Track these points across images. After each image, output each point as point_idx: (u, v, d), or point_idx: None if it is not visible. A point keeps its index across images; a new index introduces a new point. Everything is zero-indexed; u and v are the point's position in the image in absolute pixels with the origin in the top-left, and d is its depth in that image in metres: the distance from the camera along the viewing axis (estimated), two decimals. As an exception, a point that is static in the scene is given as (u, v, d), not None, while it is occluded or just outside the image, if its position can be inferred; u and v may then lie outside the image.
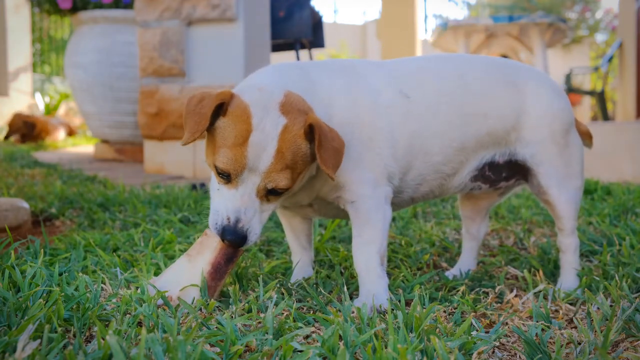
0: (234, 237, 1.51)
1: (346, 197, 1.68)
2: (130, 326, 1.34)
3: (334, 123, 1.61)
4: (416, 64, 1.83)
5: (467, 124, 1.77)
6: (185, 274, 1.60)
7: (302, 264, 1.92)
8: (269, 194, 1.54)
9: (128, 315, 1.43)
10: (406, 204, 1.89)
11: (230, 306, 1.56)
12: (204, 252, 1.60)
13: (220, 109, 1.51)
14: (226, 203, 1.53)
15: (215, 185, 1.56)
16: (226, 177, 1.51)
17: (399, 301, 1.63)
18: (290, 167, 1.51)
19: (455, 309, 1.63)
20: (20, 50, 11.21)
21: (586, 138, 1.98)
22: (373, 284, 1.64)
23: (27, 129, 8.54)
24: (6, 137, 8.58)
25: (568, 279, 1.88)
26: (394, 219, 2.91)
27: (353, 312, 1.52)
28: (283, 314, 1.52)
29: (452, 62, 1.85)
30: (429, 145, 1.74)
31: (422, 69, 1.81)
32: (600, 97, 9.20)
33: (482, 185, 1.89)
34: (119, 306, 1.49)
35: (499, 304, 1.70)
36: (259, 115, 1.48)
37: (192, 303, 1.55)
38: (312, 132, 1.50)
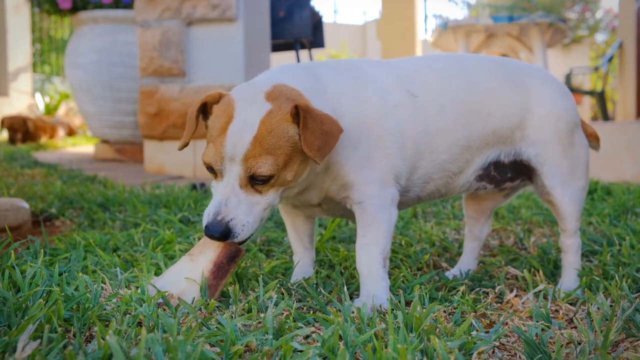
0: (212, 231, 1.50)
1: (354, 197, 1.67)
2: (130, 326, 1.34)
3: (343, 123, 1.60)
4: (422, 63, 1.83)
5: (472, 123, 1.77)
6: (188, 273, 1.60)
7: (303, 264, 1.92)
8: (254, 182, 1.51)
9: (128, 315, 1.43)
10: (413, 203, 1.88)
11: (230, 306, 1.56)
12: (207, 250, 1.60)
13: (208, 111, 1.56)
14: (213, 199, 1.54)
15: (212, 183, 1.58)
16: (211, 170, 1.53)
17: (399, 301, 1.63)
18: (271, 153, 1.47)
19: (455, 309, 1.63)
20: (20, 50, 11.22)
21: (593, 140, 1.98)
22: (374, 285, 1.63)
23: (23, 127, 8.53)
24: (10, 141, 8.56)
25: (569, 279, 1.88)
26: (394, 219, 2.90)
27: (353, 312, 1.52)
28: (283, 314, 1.52)
29: (458, 61, 1.86)
30: (436, 144, 1.74)
31: (428, 68, 1.81)
32: (600, 97, 9.20)
33: (487, 185, 1.89)
34: (119, 306, 1.49)
35: (499, 304, 1.69)
36: (242, 106, 1.50)
37: (193, 303, 1.55)
38: (298, 115, 1.48)
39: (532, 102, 1.81)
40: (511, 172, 1.88)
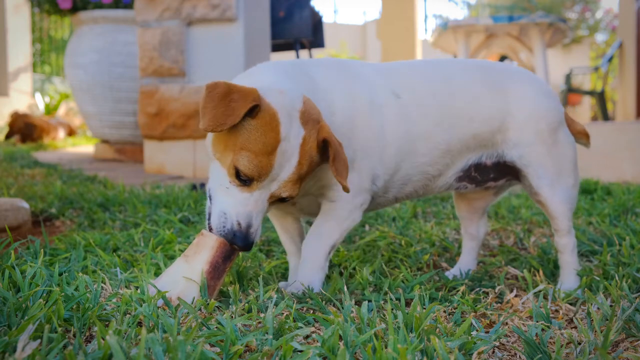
0: (245, 243, 1.52)
1: (329, 194, 1.72)
2: (130, 326, 1.34)
3: (335, 120, 1.64)
4: (408, 67, 1.86)
5: (453, 127, 1.79)
6: (183, 274, 1.59)
7: (298, 264, 1.91)
8: (278, 201, 1.56)
9: (128, 315, 1.42)
10: (390, 203, 1.91)
11: (230, 306, 1.56)
12: (201, 251, 1.58)
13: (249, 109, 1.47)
14: (237, 206, 1.51)
15: (225, 184, 1.53)
16: (245, 181, 1.50)
17: (399, 301, 1.63)
18: (303, 178, 1.54)
19: (455, 309, 1.63)
20: (20, 50, 11.21)
21: (582, 137, 1.98)
22: (312, 274, 1.71)
23: (27, 130, 8.54)
24: (7, 137, 8.58)
25: (568, 279, 1.88)
26: (393, 219, 2.91)
27: (353, 312, 1.52)
28: (283, 314, 1.52)
29: (440, 66, 1.88)
30: (417, 147, 1.77)
31: (414, 71, 1.84)
32: (600, 97, 9.20)
33: (467, 185, 1.90)
34: (119, 306, 1.49)
35: (499, 304, 1.69)
36: (286, 124, 1.49)
37: (192, 303, 1.55)
38: (324, 144, 1.53)
39: (511, 104, 1.81)
40: (494, 173, 1.89)
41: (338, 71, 1.74)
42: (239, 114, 1.43)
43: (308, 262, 1.72)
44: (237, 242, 1.52)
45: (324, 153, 1.56)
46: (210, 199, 1.58)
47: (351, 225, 1.75)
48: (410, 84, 1.78)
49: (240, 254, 2.07)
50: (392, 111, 1.73)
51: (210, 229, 1.56)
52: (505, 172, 1.89)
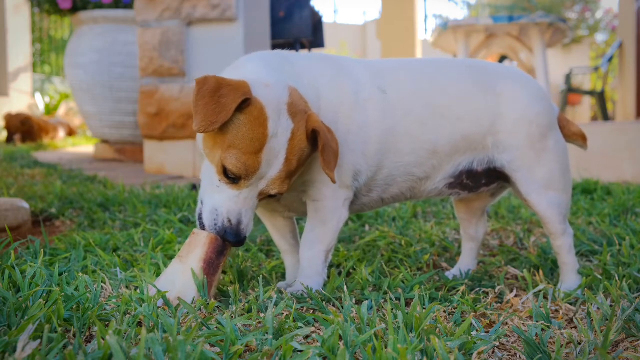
0: (237, 239, 1.53)
1: (311, 193, 1.72)
2: (130, 326, 1.34)
3: (321, 105, 1.64)
4: (395, 63, 1.85)
5: (440, 126, 1.77)
6: (180, 275, 1.59)
7: (294, 262, 1.91)
8: (268, 196, 1.56)
9: (128, 315, 1.42)
10: (375, 204, 1.89)
11: (230, 306, 1.56)
12: (194, 250, 1.59)
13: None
14: (227, 203, 1.52)
15: (215, 182, 1.54)
16: (233, 179, 1.50)
17: (399, 301, 1.63)
18: (293, 173, 1.53)
19: (455, 309, 1.63)
20: (20, 50, 11.22)
21: (579, 139, 1.96)
22: (311, 280, 1.71)
23: (25, 127, 8.53)
24: (8, 141, 8.57)
25: (569, 279, 1.87)
26: (393, 219, 2.91)
27: (353, 312, 1.52)
28: (283, 314, 1.52)
29: (428, 64, 1.87)
30: (401, 145, 1.75)
31: (400, 68, 1.82)
32: (600, 97, 9.20)
33: (460, 192, 1.88)
34: (119, 306, 1.49)
35: (499, 304, 1.69)
36: (274, 118, 1.48)
37: (192, 303, 1.55)
38: (314, 135, 1.52)
39: (502, 106, 1.79)
40: (485, 179, 1.87)
41: (324, 62, 1.73)
42: (230, 109, 1.42)
43: (306, 270, 1.72)
44: (228, 238, 1.53)
45: (315, 143, 1.55)
46: (202, 202, 1.59)
47: (340, 224, 1.74)
48: (397, 81, 1.77)
49: (240, 252, 2.07)
50: (377, 106, 1.71)
51: (203, 228, 1.57)
52: (496, 176, 1.87)
